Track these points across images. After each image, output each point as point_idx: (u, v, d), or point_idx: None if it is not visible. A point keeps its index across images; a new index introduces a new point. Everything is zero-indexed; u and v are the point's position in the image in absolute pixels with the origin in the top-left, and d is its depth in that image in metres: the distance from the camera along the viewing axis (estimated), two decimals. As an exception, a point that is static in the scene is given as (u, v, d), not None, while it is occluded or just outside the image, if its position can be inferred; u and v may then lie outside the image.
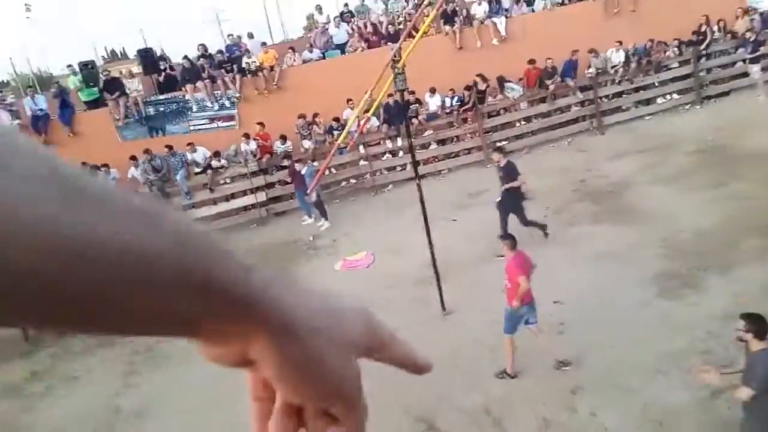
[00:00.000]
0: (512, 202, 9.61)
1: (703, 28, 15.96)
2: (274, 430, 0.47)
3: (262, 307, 0.41)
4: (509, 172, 9.55)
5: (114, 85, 14.90)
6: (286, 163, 13.58)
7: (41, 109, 14.33)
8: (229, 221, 13.64)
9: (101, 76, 15.28)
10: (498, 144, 12.35)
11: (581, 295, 8.00)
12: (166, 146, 13.82)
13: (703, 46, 15.83)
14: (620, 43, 15.28)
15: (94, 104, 14.98)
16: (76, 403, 7.78)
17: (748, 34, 15.38)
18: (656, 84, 15.88)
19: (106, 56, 21.96)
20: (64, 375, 8.63)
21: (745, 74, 15.47)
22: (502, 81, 15.19)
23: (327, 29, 16.60)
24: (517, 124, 15.32)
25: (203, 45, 15.77)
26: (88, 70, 15.18)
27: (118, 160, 13.57)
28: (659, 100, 15.89)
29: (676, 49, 15.75)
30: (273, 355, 0.42)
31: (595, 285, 8.19)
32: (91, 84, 14.98)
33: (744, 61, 15.55)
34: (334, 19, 16.81)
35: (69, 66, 15.61)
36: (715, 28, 16.11)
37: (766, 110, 13.82)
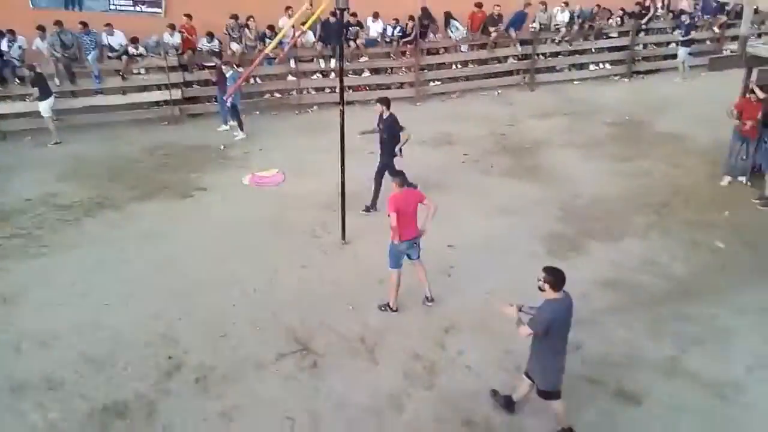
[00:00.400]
0: (387, 152, 9.15)
1: (647, 2, 16.22)
2: None
3: None
4: (390, 125, 9.06)
5: (28, -59, 13.45)
6: (214, 62, 12.90)
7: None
8: (139, 114, 12.94)
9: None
10: (384, 95, 11.66)
11: (476, 242, 8.28)
12: (81, 23, 12.74)
13: (644, 21, 16.11)
14: (566, 4, 15.31)
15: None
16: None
17: (683, 17, 15.80)
18: (593, 50, 16.12)
19: None
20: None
21: (675, 56, 15.99)
22: (448, 17, 14.92)
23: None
24: (454, 67, 15.21)
25: None
26: None
27: (28, 27, 12.40)
28: (592, 67, 16.19)
29: (619, 18, 15.95)
30: None
31: (491, 235, 8.48)
32: (2, -64, 13.44)
33: (677, 43, 16.03)
34: None
35: None
36: (660, 4, 16.41)
37: (684, 93, 14.40)
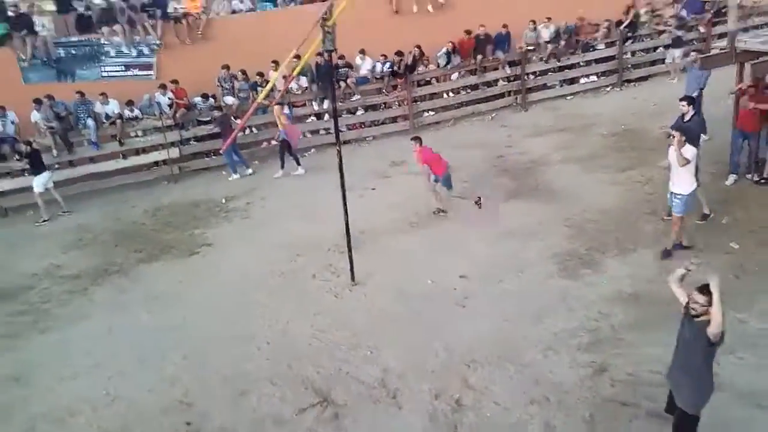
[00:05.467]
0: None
1: (632, 11, 16.31)
2: None
3: None
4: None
5: (22, 22, 13.70)
6: (220, 110, 13.05)
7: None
8: (139, 176, 12.97)
9: (9, 11, 13.98)
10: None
11: (487, 269, 8.15)
12: (78, 92, 12.93)
13: (627, 28, 16.14)
14: (549, 19, 15.44)
15: (1, 42, 13.71)
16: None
17: (670, 21, 15.92)
18: (582, 64, 16.18)
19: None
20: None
21: (663, 60, 16.08)
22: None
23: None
24: (445, 95, 15.28)
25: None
26: (-7, 3, 13.84)
27: (21, 102, 12.54)
28: (582, 80, 16.22)
29: (605, 29, 16.02)
30: None
31: (501, 260, 8.36)
32: (-2, 20, 13.69)
33: (666, 47, 16.10)
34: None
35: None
36: (643, 11, 16.51)
37: (677, 95, 14.31)
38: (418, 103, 14.98)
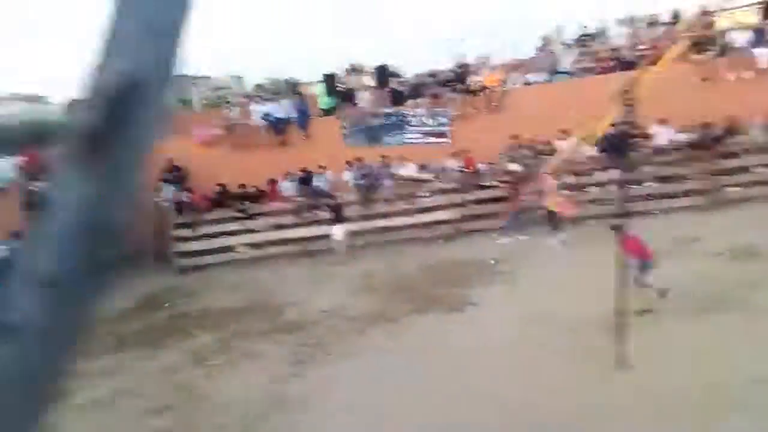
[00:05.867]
0: None
1: None
2: None
3: None
4: None
5: (348, 96, 16.42)
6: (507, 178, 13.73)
7: (285, 114, 16.21)
8: (420, 233, 14.08)
9: (340, 87, 16.87)
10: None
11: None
12: (381, 156, 14.81)
13: None
14: None
15: (330, 112, 16.56)
16: (249, 381, 8.59)
17: None
18: None
19: (352, 70, 23.94)
20: (246, 351, 9.54)
21: None
22: None
23: (553, 52, 16.31)
24: (757, 170, 13.32)
25: (432, 70, 16.76)
26: (329, 80, 16.84)
27: (340, 163, 14.95)
28: None
29: None
30: None
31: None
32: (330, 93, 16.60)
33: None
34: (562, 44, 16.46)
35: (321, 76, 17.30)
36: None
37: None
38: (720, 177, 13.32)
